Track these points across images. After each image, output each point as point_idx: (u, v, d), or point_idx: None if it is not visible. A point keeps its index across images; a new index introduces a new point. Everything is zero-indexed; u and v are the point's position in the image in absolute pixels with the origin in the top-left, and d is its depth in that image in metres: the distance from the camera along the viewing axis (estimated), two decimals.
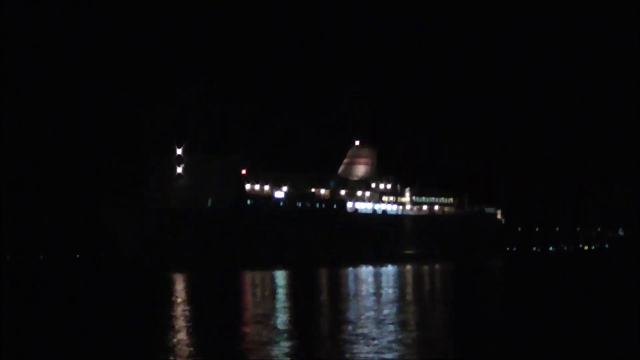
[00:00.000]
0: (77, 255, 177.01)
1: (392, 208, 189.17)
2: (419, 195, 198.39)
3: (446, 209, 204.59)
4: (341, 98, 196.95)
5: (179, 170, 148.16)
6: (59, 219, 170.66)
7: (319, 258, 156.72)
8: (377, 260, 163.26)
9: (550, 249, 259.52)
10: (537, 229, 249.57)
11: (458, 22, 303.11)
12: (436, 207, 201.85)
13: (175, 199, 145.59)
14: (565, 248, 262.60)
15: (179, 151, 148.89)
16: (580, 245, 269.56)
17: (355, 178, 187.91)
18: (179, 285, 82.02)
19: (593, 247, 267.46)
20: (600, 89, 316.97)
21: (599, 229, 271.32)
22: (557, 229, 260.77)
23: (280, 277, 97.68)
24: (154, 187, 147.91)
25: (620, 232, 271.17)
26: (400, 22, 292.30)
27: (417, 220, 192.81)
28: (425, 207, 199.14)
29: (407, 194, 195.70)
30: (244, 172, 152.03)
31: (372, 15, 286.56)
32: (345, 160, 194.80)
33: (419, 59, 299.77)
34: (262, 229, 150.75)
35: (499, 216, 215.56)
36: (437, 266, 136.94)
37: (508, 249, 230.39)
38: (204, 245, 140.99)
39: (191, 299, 61.47)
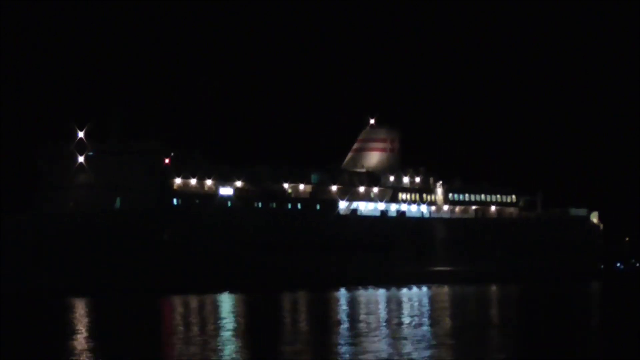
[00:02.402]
0: None
1: (418, 210, 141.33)
2: (460, 192, 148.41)
3: (509, 210, 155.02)
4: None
5: (80, 159, 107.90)
6: None
7: (291, 278, 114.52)
8: (388, 281, 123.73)
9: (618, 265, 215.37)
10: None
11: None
12: (492, 209, 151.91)
13: (74, 201, 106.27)
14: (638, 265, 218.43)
15: (81, 134, 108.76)
16: None
17: (364, 170, 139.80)
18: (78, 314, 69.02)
19: None
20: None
21: None
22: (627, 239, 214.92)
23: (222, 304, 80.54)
24: (48, 187, 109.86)
25: None
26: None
27: (456, 225, 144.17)
28: (473, 208, 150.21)
29: (439, 190, 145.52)
30: (167, 161, 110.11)
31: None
32: (355, 146, 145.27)
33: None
34: (195, 237, 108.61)
35: (594, 220, 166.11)
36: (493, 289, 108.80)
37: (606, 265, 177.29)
38: (109, 263, 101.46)
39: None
